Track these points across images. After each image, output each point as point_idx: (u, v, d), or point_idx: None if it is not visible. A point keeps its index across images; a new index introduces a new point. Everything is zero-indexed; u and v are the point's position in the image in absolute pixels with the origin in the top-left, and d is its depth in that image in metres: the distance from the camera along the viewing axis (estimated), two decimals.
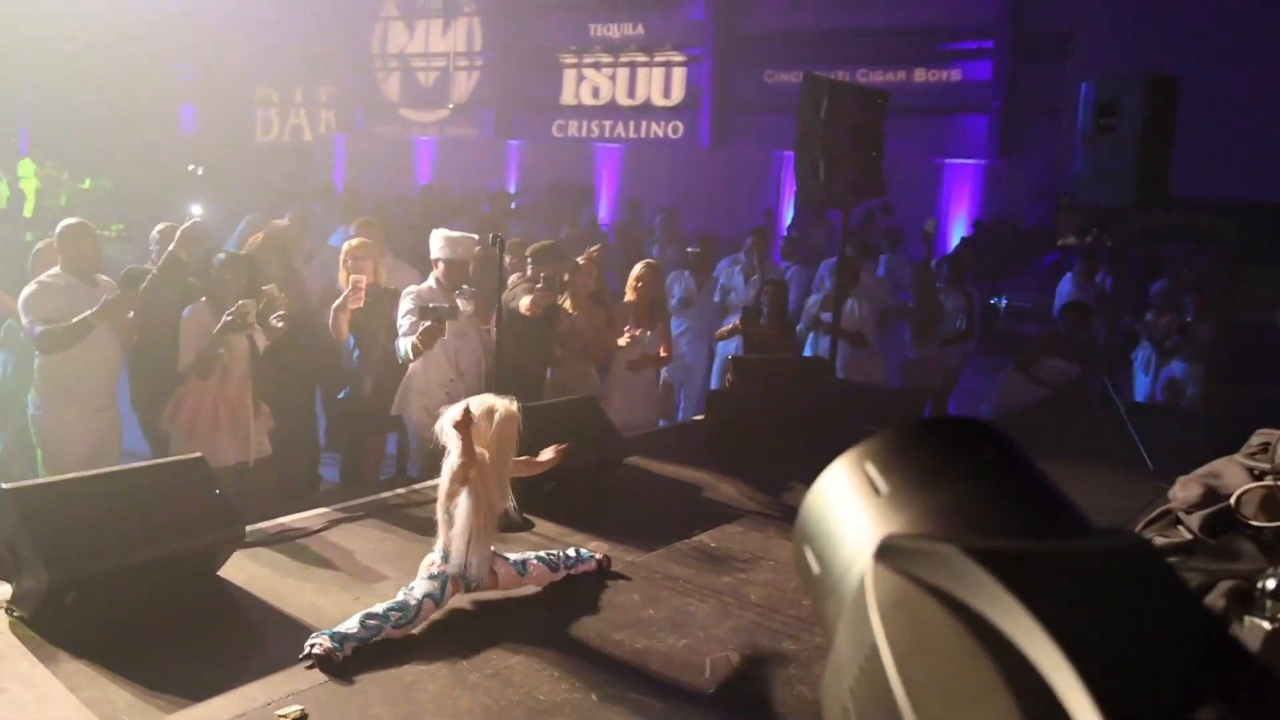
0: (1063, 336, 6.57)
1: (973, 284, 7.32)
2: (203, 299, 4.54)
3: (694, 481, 4.98)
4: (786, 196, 15.86)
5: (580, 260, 5.65)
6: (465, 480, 3.05)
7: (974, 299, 7.03)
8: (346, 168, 20.14)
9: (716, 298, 7.55)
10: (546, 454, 3.47)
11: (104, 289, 4.62)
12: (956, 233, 13.77)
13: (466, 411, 3.07)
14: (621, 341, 5.47)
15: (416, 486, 4.67)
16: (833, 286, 6.65)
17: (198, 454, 3.61)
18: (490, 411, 3.14)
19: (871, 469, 0.62)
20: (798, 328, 6.76)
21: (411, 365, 4.97)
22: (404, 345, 4.79)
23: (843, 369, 6.57)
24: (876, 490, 0.59)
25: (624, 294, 5.77)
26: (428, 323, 4.64)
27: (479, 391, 5.14)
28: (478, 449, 3.06)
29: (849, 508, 0.60)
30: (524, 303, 5.17)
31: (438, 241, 5.01)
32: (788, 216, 15.66)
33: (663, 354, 5.74)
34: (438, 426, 3.14)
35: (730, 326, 6.38)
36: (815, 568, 0.60)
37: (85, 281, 4.57)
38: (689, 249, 7.56)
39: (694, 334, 7.31)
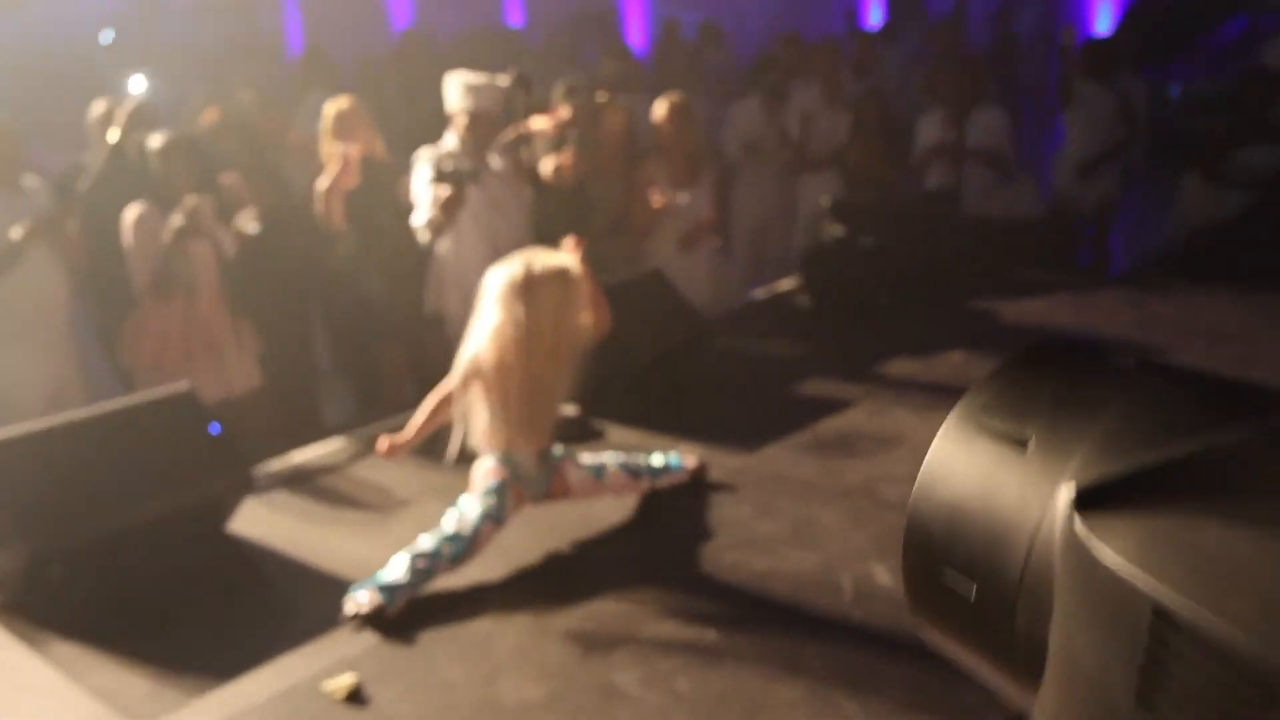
0: (1254, 117, 6.26)
1: (1132, 74, 7.00)
2: (142, 202, 4.50)
3: (797, 363, 4.96)
4: None
5: (608, 107, 5.54)
6: (509, 363, 3.09)
7: (1134, 94, 6.73)
8: (305, 22, 19.79)
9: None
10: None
11: (31, 196, 4.60)
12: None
13: (529, 272, 3.07)
14: (656, 204, 5.40)
15: None
16: (953, 96, 6.46)
17: (184, 384, 3.62)
18: (560, 274, 3.13)
19: (998, 422, 0.65)
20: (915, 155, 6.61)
21: (438, 250, 4.95)
22: (423, 220, 4.78)
23: (977, 202, 6.40)
24: (1022, 444, 0.60)
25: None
26: (446, 192, 4.59)
27: None
28: (535, 321, 3.09)
29: (996, 491, 0.62)
30: (546, 167, 5.12)
31: (456, 90, 4.94)
32: (873, 14, 14.95)
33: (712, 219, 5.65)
34: (484, 296, 3.15)
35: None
36: (966, 589, 0.64)
37: (6, 189, 4.56)
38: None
39: (771, 183, 7.16)
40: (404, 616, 2.93)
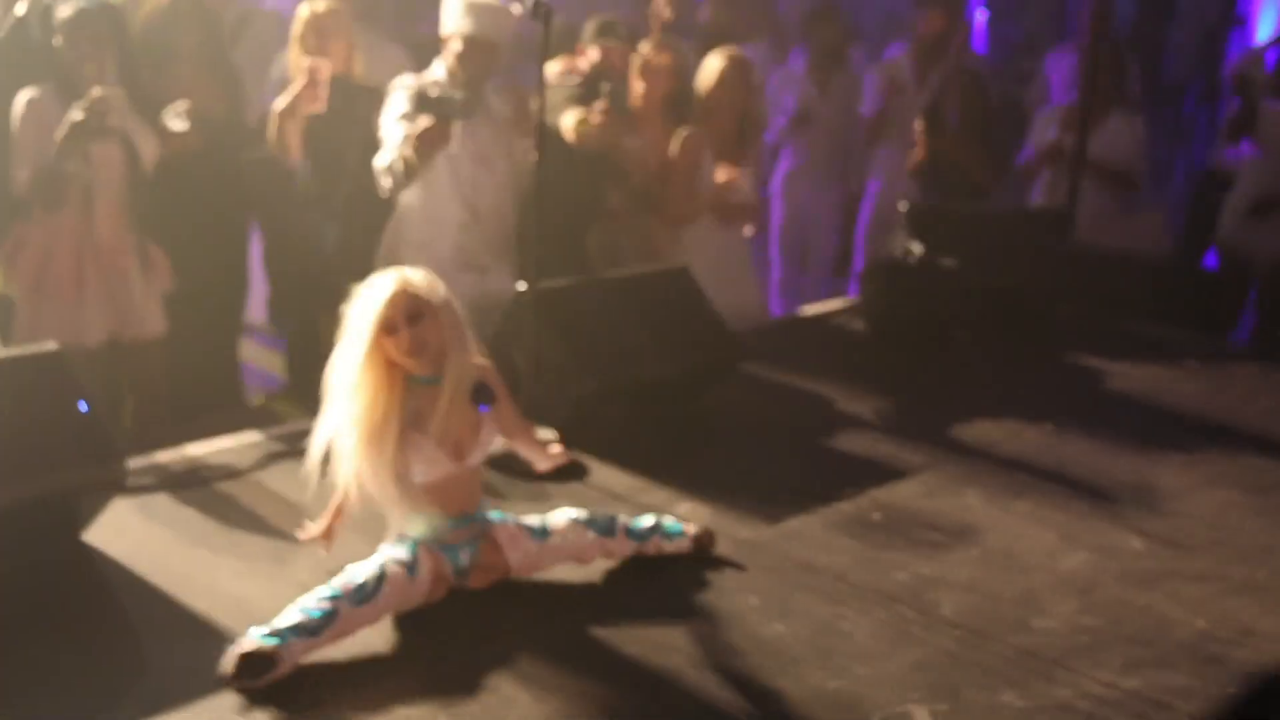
0: None
1: None
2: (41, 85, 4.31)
3: (844, 408, 4.66)
4: None
5: (646, 51, 5.36)
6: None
7: None
8: None
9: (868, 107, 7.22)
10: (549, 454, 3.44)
11: None
12: None
13: (405, 289, 2.84)
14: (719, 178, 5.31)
15: None
16: (1079, 91, 6.14)
17: (50, 345, 3.34)
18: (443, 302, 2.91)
19: None
20: (1019, 159, 6.36)
21: (402, 201, 4.83)
22: (388, 160, 4.63)
23: (1091, 226, 6.14)
24: None
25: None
26: (426, 122, 4.43)
27: (502, 249, 4.98)
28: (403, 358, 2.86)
29: None
30: (567, 122, 4.98)
31: (454, 9, 4.80)
32: None
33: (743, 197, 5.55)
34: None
35: (911, 156, 6.26)
36: None
37: None
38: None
39: (819, 166, 6.89)
40: (294, 681, 2.62)
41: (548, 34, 3.85)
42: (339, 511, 3.06)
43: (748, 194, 5.44)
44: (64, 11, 4.25)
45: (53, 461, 3.12)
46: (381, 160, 4.70)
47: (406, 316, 2.82)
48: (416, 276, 2.88)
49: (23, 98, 4.25)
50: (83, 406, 3.21)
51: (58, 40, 4.23)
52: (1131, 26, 8.07)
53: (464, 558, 3.02)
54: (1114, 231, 6.30)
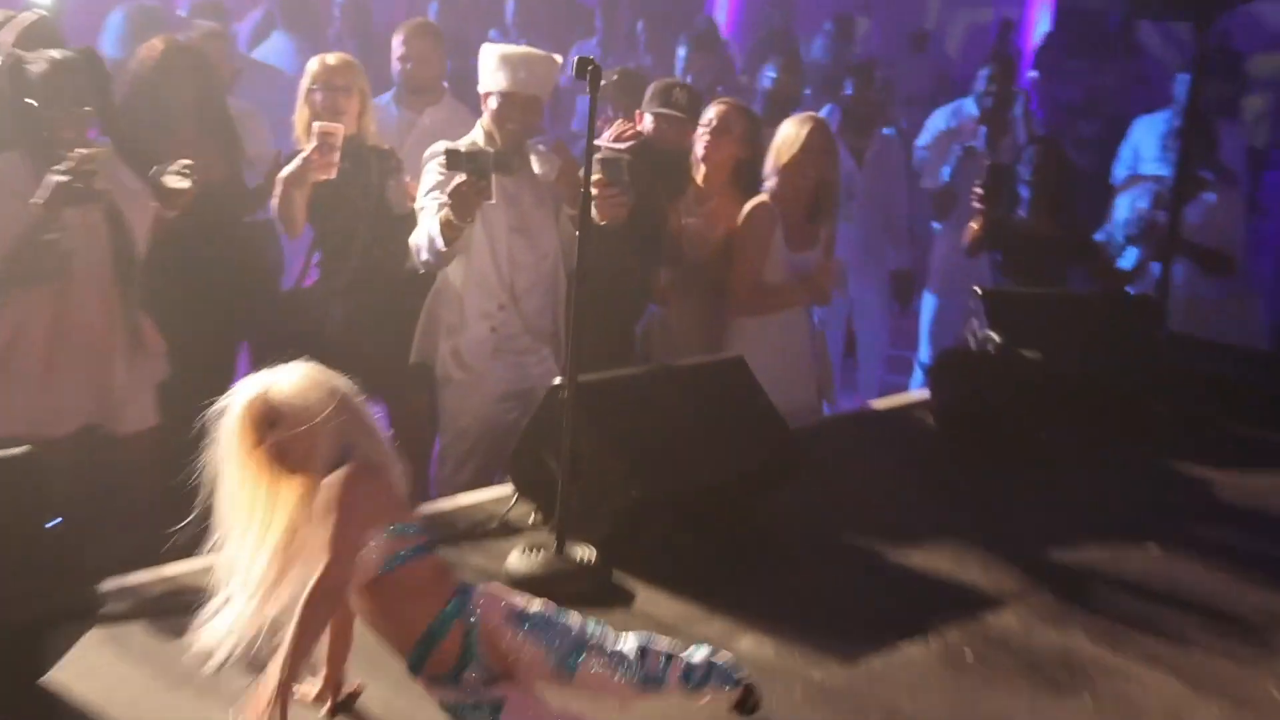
0: None
1: None
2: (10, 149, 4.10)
3: (919, 518, 4.41)
4: None
5: (718, 110, 5.21)
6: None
7: None
8: None
9: (929, 182, 7.18)
10: None
11: None
12: None
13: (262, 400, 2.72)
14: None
15: (448, 504, 4.26)
16: (1173, 169, 5.99)
17: (20, 449, 3.09)
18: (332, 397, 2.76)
19: None
20: (1110, 233, 6.20)
21: (437, 284, 4.74)
22: (424, 233, 4.49)
23: (1185, 314, 5.98)
24: None
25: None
26: (461, 179, 4.26)
27: (546, 332, 4.86)
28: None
29: None
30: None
31: (490, 62, 4.65)
32: (1038, 27, 14.56)
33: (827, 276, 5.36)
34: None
35: (971, 229, 5.99)
36: None
37: None
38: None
39: (860, 244, 6.92)
40: None
41: (594, 96, 3.68)
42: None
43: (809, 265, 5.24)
44: (37, 65, 4.03)
45: (14, 592, 2.86)
46: (417, 236, 4.54)
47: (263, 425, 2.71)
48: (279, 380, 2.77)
49: None
50: (52, 525, 2.98)
51: (31, 98, 4.02)
52: (1214, 94, 7.97)
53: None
54: (1210, 318, 6.18)
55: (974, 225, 5.91)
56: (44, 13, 4.77)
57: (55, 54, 4.12)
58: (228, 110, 5.14)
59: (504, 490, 4.26)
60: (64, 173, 3.81)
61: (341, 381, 2.79)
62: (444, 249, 4.41)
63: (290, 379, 2.74)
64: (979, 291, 5.25)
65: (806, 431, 4.83)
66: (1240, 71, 9.65)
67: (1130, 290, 5.96)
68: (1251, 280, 6.93)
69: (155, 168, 4.27)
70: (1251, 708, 3.21)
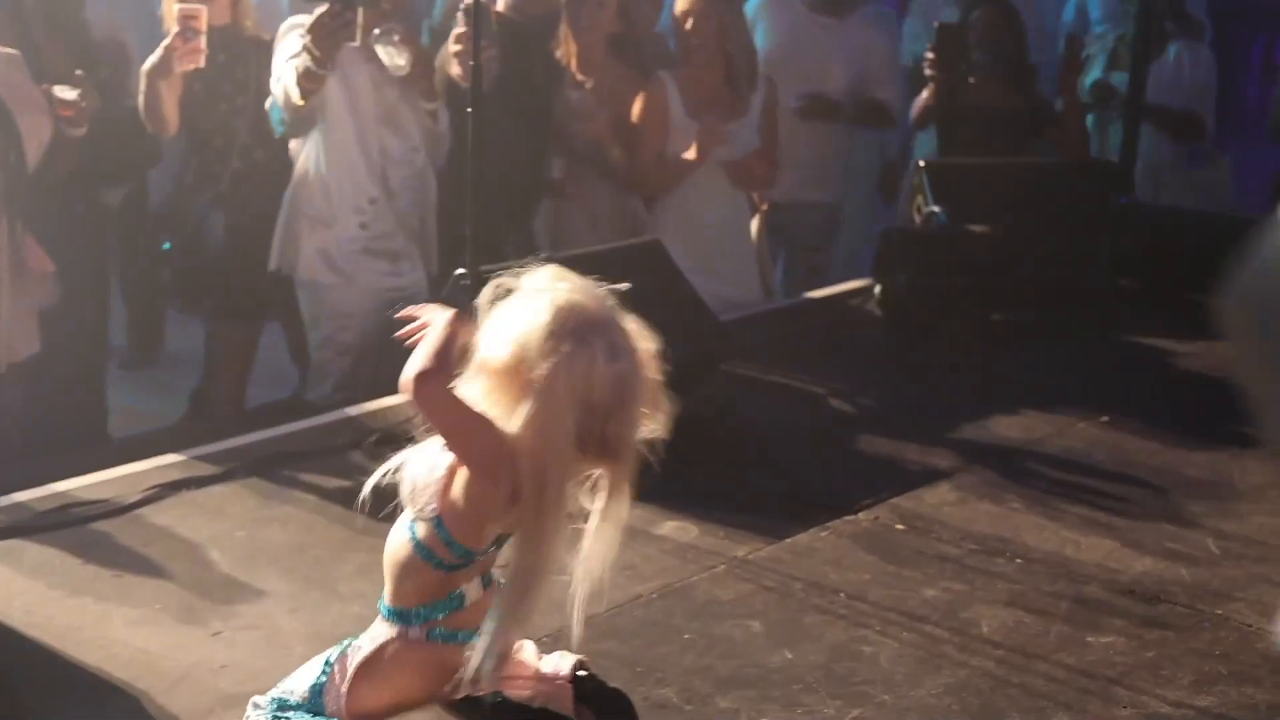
0: None
1: None
2: None
3: (858, 403, 4.89)
4: None
5: None
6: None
7: None
8: None
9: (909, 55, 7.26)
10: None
11: None
12: None
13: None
14: (689, 154, 5.43)
15: (314, 422, 4.63)
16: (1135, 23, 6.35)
17: None
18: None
19: None
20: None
21: (299, 169, 4.98)
22: (280, 90, 4.80)
23: (1152, 182, 6.40)
24: None
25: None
26: (323, 6, 4.58)
27: (417, 233, 5.20)
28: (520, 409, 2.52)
29: None
30: (446, 55, 5.12)
31: None
32: None
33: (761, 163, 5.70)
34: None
35: (921, 98, 6.27)
36: None
37: None
38: None
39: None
40: None
41: None
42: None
43: (743, 145, 5.54)
44: None
45: None
46: (274, 90, 4.81)
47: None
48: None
49: None
50: None
51: None
52: None
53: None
54: (1177, 186, 6.54)
55: (924, 94, 6.21)
56: None
57: None
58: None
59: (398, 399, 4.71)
60: None
61: None
62: (300, 103, 4.70)
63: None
64: (921, 164, 5.60)
65: (740, 321, 5.26)
66: None
67: (1091, 158, 6.34)
68: (1239, 140, 7.26)
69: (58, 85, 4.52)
70: (1184, 560, 3.73)
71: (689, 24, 5.46)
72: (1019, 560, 3.76)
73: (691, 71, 5.52)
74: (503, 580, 2.73)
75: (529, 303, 2.57)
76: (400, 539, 2.75)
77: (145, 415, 5.88)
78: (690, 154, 5.42)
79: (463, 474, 2.60)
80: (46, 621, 3.32)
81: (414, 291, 5.05)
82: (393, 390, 4.73)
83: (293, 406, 5.31)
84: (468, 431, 2.54)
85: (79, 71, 4.58)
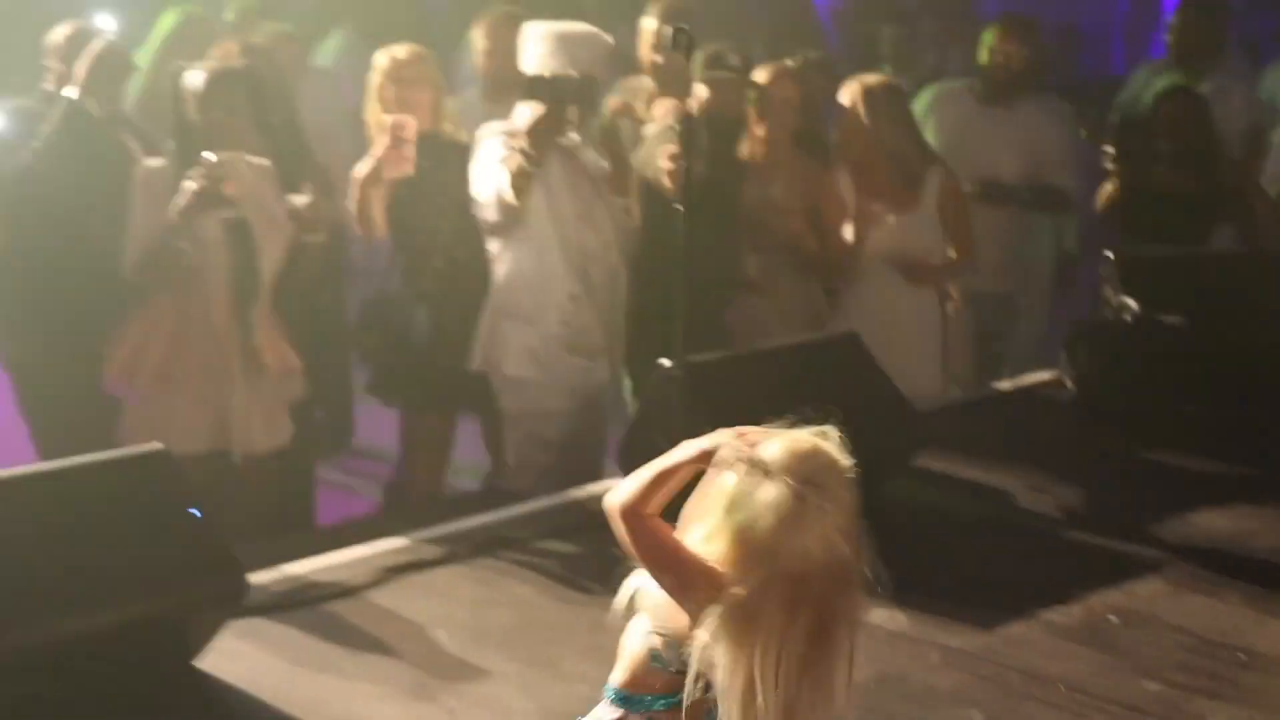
0: None
1: None
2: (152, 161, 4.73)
3: (1055, 493, 4.99)
4: None
5: (765, 74, 5.70)
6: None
7: None
8: None
9: None
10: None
11: None
12: None
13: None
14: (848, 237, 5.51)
15: (528, 508, 4.84)
16: None
17: (155, 444, 3.77)
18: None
19: None
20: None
21: (504, 271, 5.16)
22: (491, 189, 4.97)
23: None
24: None
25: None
26: (539, 110, 4.74)
27: (613, 322, 5.34)
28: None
29: None
30: (662, 163, 5.22)
31: (538, 44, 5.10)
32: None
33: (954, 257, 5.79)
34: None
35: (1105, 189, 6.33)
36: None
37: None
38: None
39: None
40: None
41: (688, 67, 4.23)
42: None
43: (925, 243, 5.67)
44: (196, 78, 4.66)
45: (162, 577, 3.53)
46: (485, 194, 4.99)
47: None
48: None
49: (144, 173, 4.68)
50: (194, 512, 3.63)
51: (189, 108, 4.63)
52: None
53: None
54: None
55: (1108, 186, 6.30)
56: (111, 39, 5.29)
57: (216, 67, 4.78)
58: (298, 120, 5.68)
59: (606, 484, 4.84)
60: (198, 179, 4.43)
61: None
62: (514, 202, 4.87)
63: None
64: (1110, 255, 5.67)
65: (930, 413, 5.35)
66: None
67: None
68: None
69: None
70: None
71: (850, 119, 5.62)
72: (1240, 654, 3.86)
73: (857, 165, 5.64)
74: None
75: (758, 494, 2.42)
76: (638, 638, 2.94)
77: (342, 503, 6.19)
78: (848, 236, 5.54)
79: None
80: (293, 695, 3.57)
81: (601, 390, 5.35)
82: (592, 478, 5.10)
83: (488, 496, 5.51)
84: (657, 565, 2.56)
85: (307, 182, 4.90)
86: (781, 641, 2.39)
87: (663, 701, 2.89)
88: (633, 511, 2.50)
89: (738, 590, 2.40)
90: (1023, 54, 6.54)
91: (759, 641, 2.40)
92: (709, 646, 2.42)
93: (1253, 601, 4.17)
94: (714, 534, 2.45)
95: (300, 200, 4.85)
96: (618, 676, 2.95)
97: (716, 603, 2.43)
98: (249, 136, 4.70)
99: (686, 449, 2.49)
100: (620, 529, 2.50)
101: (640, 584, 2.80)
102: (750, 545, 2.39)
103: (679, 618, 2.66)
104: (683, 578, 2.51)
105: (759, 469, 2.38)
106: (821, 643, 2.40)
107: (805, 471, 2.37)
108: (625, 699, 2.95)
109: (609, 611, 3.06)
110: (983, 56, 6.63)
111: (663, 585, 2.57)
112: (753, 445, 2.45)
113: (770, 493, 2.36)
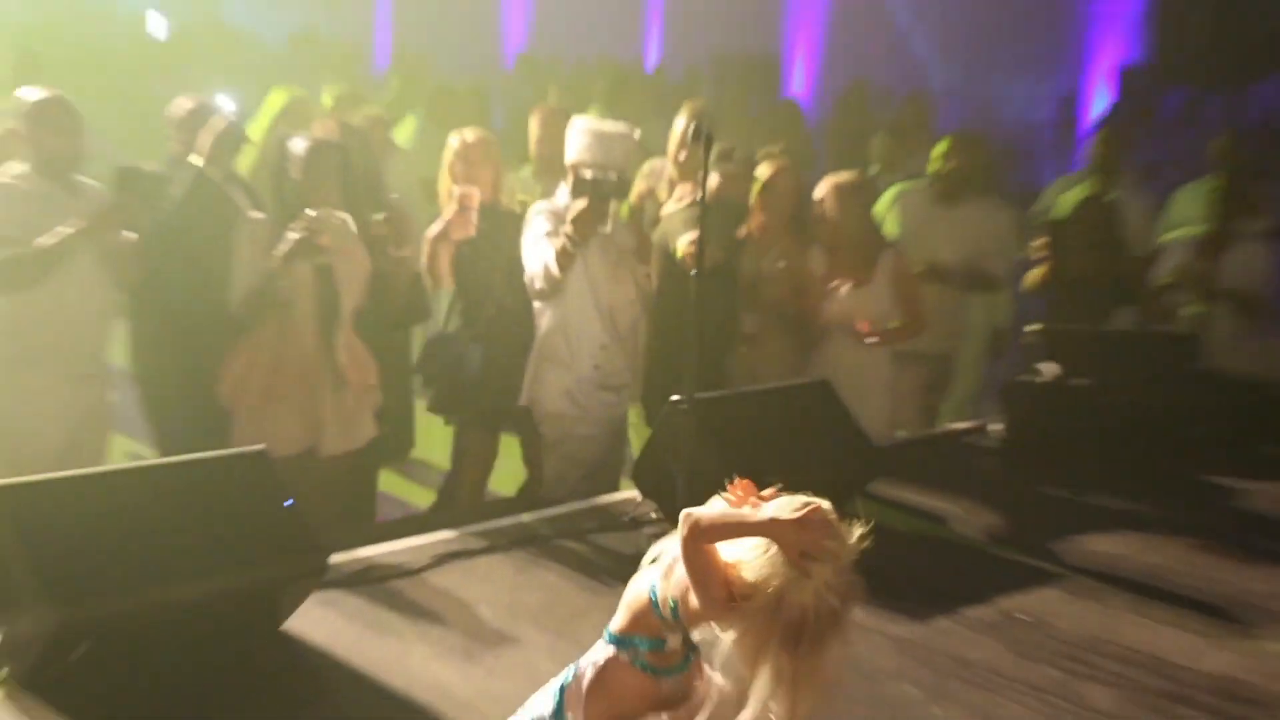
0: None
1: None
2: (256, 215, 4.88)
3: (981, 519, 5.08)
4: (1092, 66, 15.37)
5: (766, 169, 5.77)
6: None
7: None
8: (394, 21, 20.45)
9: None
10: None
11: (87, 196, 4.91)
12: None
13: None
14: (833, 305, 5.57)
15: (558, 511, 4.94)
16: (1214, 219, 6.66)
17: (258, 446, 3.87)
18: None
19: None
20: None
21: (547, 325, 5.28)
22: (539, 264, 5.05)
23: (1221, 352, 6.48)
24: None
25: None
26: (582, 204, 4.81)
27: (638, 372, 5.46)
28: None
29: None
30: (682, 242, 5.30)
31: (579, 137, 5.20)
32: (1094, 105, 15.13)
33: (902, 325, 5.79)
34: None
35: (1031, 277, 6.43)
36: None
37: (60, 184, 4.87)
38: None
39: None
40: None
41: (707, 159, 4.31)
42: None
43: (883, 308, 5.67)
44: (298, 146, 4.79)
45: (258, 555, 3.60)
46: (532, 267, 5.09)
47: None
48: None
49: (246, 220, 4.82)
50: (287, 503, 3.72)
51: (291, 170, 4.76)
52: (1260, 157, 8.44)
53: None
54: (1243, 356, 6.57)
55: (1035, 272, 6.45)
56: (230, 117, 5.43)
57: (314, 139, 4.90)
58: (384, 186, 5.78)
59: (624, 495, 5.05)
60: (299, 231, 4.55)
61: None
62: (559, 275, 4.98)
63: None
64: (1037, 328, 5.77)
65: (884, 449, 5.46)
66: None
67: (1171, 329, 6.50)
68: None
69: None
70: (1255, 656, 3.94)
71: (823, 208, 5.67)
72: (1119, 647, 3.95)
73: (827, 245, 5.71)
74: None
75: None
76: (643, 588, 3.03)
77: (399, 502, 6.35)
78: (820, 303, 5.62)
79: None
80: (363, 653, 3.66)
81: (622, 418, 5.46)
82: (610, 490, 5.17)
83: (524, 500, 5.58)
84: (699, 583, 2.66)
85: (381, 215, 5.05)
86: (782, 663, 2.53)
87: (649, 645, 2.99)
88: (695, 535, 2.62)
89: (747, 628, 2.58)
90: (967, 163, 6.64)
91: (765, 660, 2.57)
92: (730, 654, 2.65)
93: (1131, 606, 4.28)
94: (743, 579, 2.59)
95: (376, 216, 4.98)
96: (616, 622, 3.07)
97: (729, 625, 2.63)
98: (336, 196, 4.80)
99: (763, 519, 2.60)
100: (688, 543, 2.62)
101: (667, 548, 2.92)
102: (761, 597, 2.54)
103: (686, 592, 2.78)
104: (710, 596, 2.64)
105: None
106: (814, 661, 2.53)
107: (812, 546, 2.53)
108: (619, 640, 3.04)
109: (618, 597, 3.18)
110: (936, 164, 6.72)
111: (694, 587, 2.68)
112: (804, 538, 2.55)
113: (781, 568, 2.52)
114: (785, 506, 2.67)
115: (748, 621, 2.68)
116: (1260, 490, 5.53)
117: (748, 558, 2.63)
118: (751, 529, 2.67)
